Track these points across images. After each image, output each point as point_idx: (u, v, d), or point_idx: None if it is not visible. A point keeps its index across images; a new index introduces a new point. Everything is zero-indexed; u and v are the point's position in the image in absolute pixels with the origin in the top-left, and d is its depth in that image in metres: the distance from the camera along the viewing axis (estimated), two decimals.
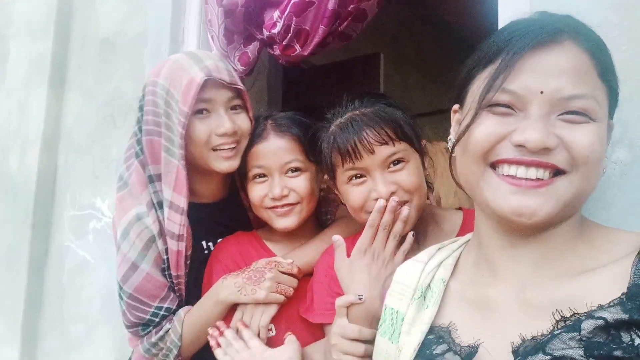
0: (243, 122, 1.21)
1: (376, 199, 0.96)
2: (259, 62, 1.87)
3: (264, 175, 1.17)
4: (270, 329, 1.15)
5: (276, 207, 1.16)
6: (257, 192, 1.18)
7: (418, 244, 1.04)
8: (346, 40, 1.71)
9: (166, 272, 1.21)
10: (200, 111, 1.18)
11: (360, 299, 0.92)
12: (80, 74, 2.05)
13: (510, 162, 0.62)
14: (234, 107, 1.22)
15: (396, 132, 0.98)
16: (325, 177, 1.11)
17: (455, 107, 0.76)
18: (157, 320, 1.19)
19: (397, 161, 0.98)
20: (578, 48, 0.63)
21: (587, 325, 0.56)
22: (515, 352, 0.60)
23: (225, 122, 1.17)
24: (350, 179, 1.00)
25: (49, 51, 2.04)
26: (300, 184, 1.16)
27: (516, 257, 0.67)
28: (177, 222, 1.18)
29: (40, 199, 2.01)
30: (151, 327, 1.20)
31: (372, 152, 0.96)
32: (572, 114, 0.61)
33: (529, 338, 0.59)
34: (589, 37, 0.64)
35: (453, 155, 0.73)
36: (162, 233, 1.19)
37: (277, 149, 1.16)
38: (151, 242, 1.18)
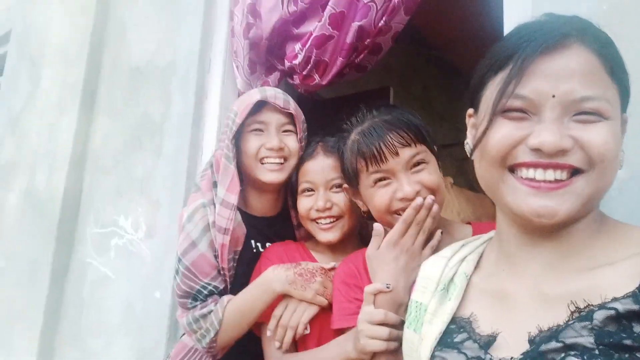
0: (291, 142, 1.41)
1: (401, 199, 1.03)
2: None
3: (312, 190, 1.31)
4: (307, 328, 1.23)
5: (320, 218, 1.28)
6: (304, 204, 1.31)
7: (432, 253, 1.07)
8: (362, 71, 1.83)
9: (217, 260, 1.35)
10: (256, 130, 1.40)
11: (387, 287, 0.98)
12: (110, 99, 2.17)
13: (528, 165, 0.64)
14: (285, 130, 1.42)
15: (416, 135, 1.05)
16: (345, 185, 1.19)
17: (470, 111, 0.78)
18: (205, 293, 1.31)
19: (419, 162, 1.05)
20: (586, 50, 0.64)
21: (599, 315, 0.58)
22: (531, 341, 0.62)
23: (273, 139, 1.38)
24: (375, 182, 1.06)
25: (81, 77, 2.17)
26: (343, 199, 1.28)
27: (534, 253, 0.69)
28: (225, 217, 1.34)
29: (65, 216, 2.10)
30: (198, 302, 1.31)
31: (397, 154, 1.03)
32: (585, 114, 0.63)
33: (546, 329, 0.61)
34: (596, 37, 0.66)
35: (472, 158, 0.76)
36: (211, 227, 1.36)
37: (324, 166, 1.30)
38: (209, 228, 1.34)
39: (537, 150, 0.63)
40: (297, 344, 1.24)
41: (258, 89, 1.49)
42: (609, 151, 0.63)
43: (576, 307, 0.61)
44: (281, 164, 1.38)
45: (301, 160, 1.36)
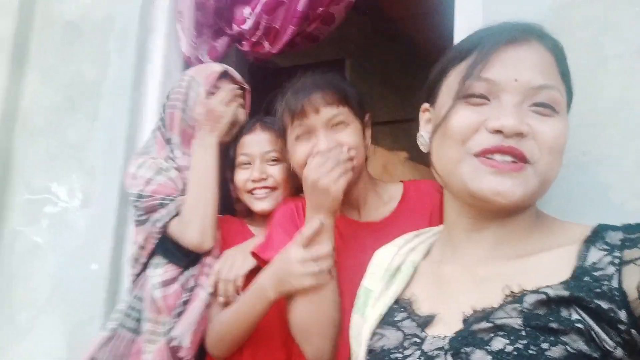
0: (241, 112, 1.47)
1: (317, 153, 1.08)
2: (226, 62, 1.90)
3: (248, 163, 1.38)
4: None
5: (255, 189, 1.35)
6: (241, 176, 1.38)
7: (359, 211, 1.17)
8: (314, 41, 1.77)
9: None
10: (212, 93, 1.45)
11: (321, 222, 1.03)
12: (42, 55, 1.99)
13: (489, 151, 0.68)
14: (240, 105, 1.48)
15: (340, 97, 1.11)
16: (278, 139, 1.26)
17: (425, 106, 0.81)
18: (168, 200, 1.38)
19: (339, 122, 1.11)
20: (544, 47, 0.70)
21: (530, 299, 0.62)
22: (465, 321, 0.66)
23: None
24: (297, 137, 1.13)
25: (10, 31, 1.98)
26: (278, 171, 1.36)
27: (477, 239, 0.74)
28: (188, 163, 1.43)
29: None
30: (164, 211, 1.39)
31: (317, 112, 1.09)
32: (540, 105, 0.68)
33: (479, 309, 0.65)
34: (552, 40, 0.73)
35: (425, 150, 0.80)
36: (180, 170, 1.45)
37: (260, 139, 1.38)
38: (165, 170, 1.41)
39: (496, 133, 0.66)
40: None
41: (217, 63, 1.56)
42: (559, 145, 0.68)
43: (510, 291, 0.64)
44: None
45: (239, 135, 1.41)
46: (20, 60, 1.99)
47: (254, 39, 1.72)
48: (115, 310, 1.45)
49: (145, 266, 1.41)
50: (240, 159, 1.39)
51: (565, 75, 0.72)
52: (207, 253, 1.35)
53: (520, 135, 0.66)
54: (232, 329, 1.20)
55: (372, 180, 1.22)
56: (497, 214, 0.71)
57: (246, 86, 1.47)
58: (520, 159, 0.66)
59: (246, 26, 1.71)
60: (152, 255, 1.40)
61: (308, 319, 1.02)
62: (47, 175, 1.88)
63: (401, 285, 0.79)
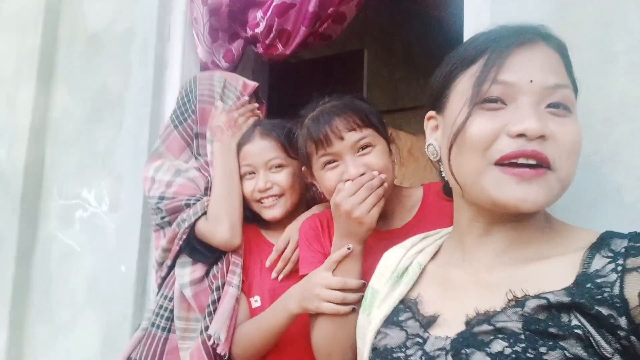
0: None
1: (347, 180, 1.06)
2: (245, 58, 1.94)
3: (253, 172, 1.37)
4: (257, 301, 1.30)
5: (263, 198, 1.35)
6: (247, 187, 1.38)
7: (384, 221, 1.14)
8: (326, 40, 1.77)
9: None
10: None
11: (348, 249, 1.02)
12: (68, 68, 2.09)
13: (512, 156, 0.65)
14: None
15: (362, 119, 1.09)
16: (303, 168, 1.22)
17: (431, 113, 0.79)
18: (193, 201, 1.38)
19: (365, 146, 1.09)
20: (551, 48, 0.70)
21: (531, 304, 0.62)
22: (467, 323, 0.67)
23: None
24: (324, 164, 1.11)
25: (37, 46, 2.08)
26: (283, 177, 1.34)
27: (486, 243, 0.74)
28: (209, 151, 1.46)
29: (27, 190, 2.06)
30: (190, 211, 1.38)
31: (342, 138, 1.07)
32: (556, 106, 0.67)
33: (482, 312, 0.66)
34: (558, 41, 0.72)
35: (434, 159, 0.79)
36: (201, 169, 1.46)
37: (261, 148, 1.36)
38: (184, 171, 1.43)
39: (519, 137, 0.65)
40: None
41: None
42: (577, 147, 0.67)
43: (514, 295, 0.64)
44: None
45: (240, 145, 1.41)
46: (48, 74, 2.09)
47: (267, 42, 1.74)
48: (147, 311, 1.51)
49: (171, 268, 1.46)
50: (244, 169, 1.38)
51: (571, 75, 0.72)
52: (233, 251, 1.38)
53: (543, 137, 0.65)
54: (255, 338, 1.21)
55: (397, 189, 1.20)
56: (505, 220, 0.71)
57: (264, 102, 1.57)
58: (543, 162, 0.65)
59: (259, 29, 1.73)
60: (177, 255, 1.45)
61: (330, 340, 1.03)
62: (78, 182, 1.98)
63: (407, 287, 0.80)
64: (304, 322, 1.12)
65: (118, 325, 1.73)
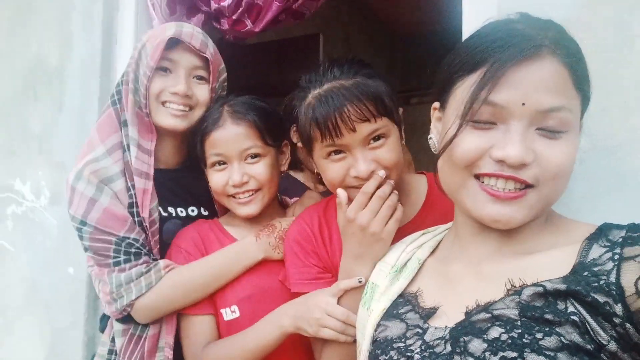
0: (201, 91, 1.25)
1: (355, 177, 0.95)
2: None
3: (224, 163, 1.17)
4: (234, 311, 1.14)
5: (237, 194, 1.17)
6: (217, 180, 1.17)
7: None
8: (299, 18, 1.66)
9: (135, 210, 1.21)
10: (163, 69, 1.23)
11: (360, 282, 0.92)
12: None
13: (491, 176, 0.67)
14: (197, 76, 1.26)
15: (378, 107, 0.94)
16: (299, 144, 1.06)
17: (436, 104, 0.79)
18: (125, 248, 1.17)
19: (378, 137, 0.95)
20: (557, 61, 0.66)
21: (528, 291, 0.63)
22: (467, 314, 0.67)
23: (179, 83, 1.22)
24: (329, 154, 0.97)
25: None
26: (260, 170, 1.17)
27: (485, 239, 0.74)
28: (145, 162, 1.24)
29: None
30: (121, 258, 1.16)
31: (353, 129, 0.92)
32: (548, 130, 0.66)
33: (483, 303, 0.67)
34: (568, 48, 0.68)
35: (436, 152, 0.77)
36: (126, 172, 1.23)
37: (234, 136, 1.15)
38: (108, 181, 1.20)
39: (500, 162, 0.66)
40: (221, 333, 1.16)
41: (175, 22, 1.30)
42: (564, 170, 0.67)
43: (512, 285, 0.66)
44: (184, 111, 1.22)
45: (205, 128, 1.18)
46: None
47: (234, 17, 1.59)
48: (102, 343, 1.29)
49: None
50: (213, 159, 1.17)
51: (581, 84, 0.69)
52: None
53: (523, 165, 0.65)
54: (236, 358, 1.08)
55: (402, 180, 1.07)
56: None
57: (209, 56, 1.25)
58: (523, 183, 0.66)
59: (226, 3, 1.58)
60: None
61: None
62: (7, 172, 1.71)
63: (406, 281, 0.81)
64: (291, 336, 1.04)
65: (65, 332, 1.53)
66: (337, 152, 0.96)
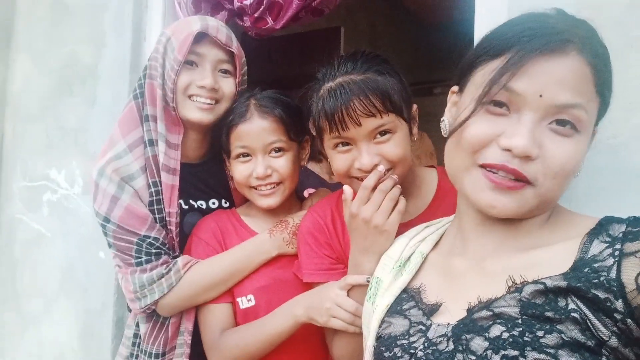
0: (227, 85, 1.28)
1: (359, 169, 0.99)
2: None
3: (248, 155, 1.20)
4: (250, 300, 1.19)
5: (260, 186, 1.20)
6: (241, 171, 1.21)
7: None
8: (319, 15, 1.71)
9: (155, 207, 1.24)
10: (190, 62, 1.25)
11: (367, 280, 0.95)
12: (29, 36, 1.90)
13: (495, 167, 0.68)
14: (223, 70, 1.28)
15: (384, 103, 0.96)
16: (314, 133, 1.10)
17: (455, 88, 0.79)
18: (146, 248, 1.21)
19: (384, 132, 0.98)
20: (582, 60, 0.66)
21: (528, 289, 0.63)
22: (469, 310, 0.68)
23: (206, 77, 1.24)
24: (336, 145, 1.01)
25: None
26: (283, 164, 1.20)
27: (487, 232, 0.75)
28: (172, 157, 1.26)
29: None
30: (142, 257, 1.21)
31: (359, 124, 0.96)
32: (561, 124, 0.66)
33: (485, 300, 0.67)
34: (595, 50, 0.67)
35: (445, 135, 0.78)
36: (147, 168, 1.25)
37: (260, 129, 1.19)
38: (129, 179, 1.23)
39: (506, 151, 0.66)
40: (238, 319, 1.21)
41: (198, 16, 1.33)
42: (567, 170, 0.67)
43: (513, 282, 0.66)
44: (211, 104, 1.25)
45: (232, 121, 1.21)
46: (5, 43, 1.89)
47: (256, 15, 1.65)
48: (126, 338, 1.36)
49: None
50: (238, 150, 1.20)
51: (602, 88, 0.68)
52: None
53: (528, 157, 0.65)
54: (251, 345, 1.13)
55: (412, 173, 1.09)
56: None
57: (234, 50, 1.28)
58: (522, 179, 0.66)
59: (248, 1, 1.64)
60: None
61: (350, 352, 1.01)
62: (44, 162, 1.83)
63: (409, 276, 0.81)
64: (304, 325, 1.08)
65: (97, 314, 1.63)
66: (343, 144, 1.00)
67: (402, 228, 1.04)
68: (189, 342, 1.25)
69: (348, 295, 0.99)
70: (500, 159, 0.67)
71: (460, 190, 0.75)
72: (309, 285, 1.11)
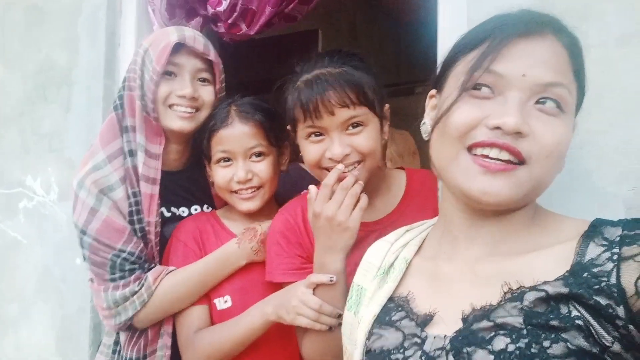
0: (206, 93, 1.30)
1: (330, 158, 1.02)
2: None
3: (229, 159, 1.23)
4: (227, 301, 1.22)
5: (240, 190, 1.23)
6: (222, 175, 1.23)
7: (370, 209, 1.07)
8: (291, 21, 1.73)
9: (135, 217, 1.25)
10: (168, 73, 1.27)
11: (331, 280, 0.98)
12: (4, 40, 1.89)
13: (485, 144, 0.66)
14: (201, 79, 1.30)
15: (358, 96, 1.00)
16: (288, 127, 1.13)
17: (432, 92, 0.79)
18: (121, 264, 1.21)
19: (356, 124, 1.02)
20: (559, 43, 0.67)
21: (530, 297, 0.62)
22: (464, 319, 0.66)
23: (186, 87, 1.26)
24: (309, 135, 1.04)
25: None
26: (263, 168, 1.23)
27: (475, 236, 0.73)
28: (152, 167, 1.27)
29: None
30: (117, 274, 1.21)
31: (332, 113, 0.99)
32: (547, 101, 0.65)
33: (479, 307, 0.65)
34: (570, 37, 0.69)
35: (426, 138, 0.78)
36: (126, 179, 1.26)
37: (241, 134, 1.22)
38: (107, 190, 1.24)
39: (496, 130, 0.65)
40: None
41: (175, 27, 1.34)
42: (558, 149, 0.66)
43: (509, 288, 0.64)
44: (191, 113, 1.27)
45: (213, 126, 1.24)
46: None
47: (230, 21, 1.67)
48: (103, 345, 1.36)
49: None
50: (219, 155, 1.23)
51: (578, 73, 0.69)
52: None
53: (519, 134, 0.64)
54: (225, 344, 1.16)
55: (382, 172, 1.13)
56: (491, 212, 0.70)
57: (212, 58, 1.30)
58: (516, 156, 0.64)
59: (221, 8, 1.65)
60: None
61: (321, 350, 1.03)
62: (20, 168, 1.82)
63: (395, 283, 0.78)
64: (279, 325, 1.10)
65: (75, 319, 1.64)
66: (316, 134, 1.03)
67: (372, 226, 1.08)
68: (169, 344, 1.27)
69: (313, 294, 1.01)
70: (490, 135, 0.65)
71: (450, 184, 0.72)
72: (283, 285, 1.13)
